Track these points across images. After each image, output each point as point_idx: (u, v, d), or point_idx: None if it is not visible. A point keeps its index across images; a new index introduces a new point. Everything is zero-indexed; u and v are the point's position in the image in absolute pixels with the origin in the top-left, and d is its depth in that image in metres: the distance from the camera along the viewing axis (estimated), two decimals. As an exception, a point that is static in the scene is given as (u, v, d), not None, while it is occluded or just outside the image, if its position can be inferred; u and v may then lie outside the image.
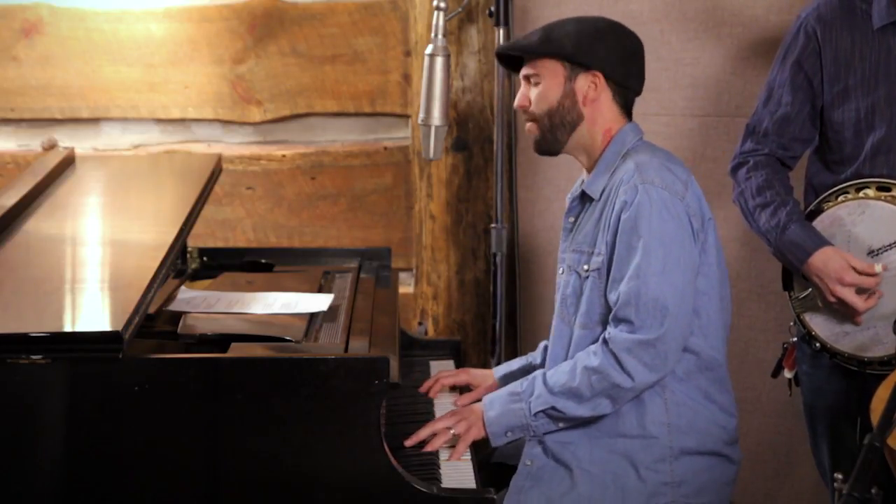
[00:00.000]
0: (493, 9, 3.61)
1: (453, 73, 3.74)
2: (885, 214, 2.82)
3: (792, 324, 3.00)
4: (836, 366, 2.92)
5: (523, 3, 3.73)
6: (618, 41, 2.71)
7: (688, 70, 3.61)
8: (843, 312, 2.84)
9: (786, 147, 2.97)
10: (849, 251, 2.84)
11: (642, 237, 2.59)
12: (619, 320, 2.61)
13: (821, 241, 2.85)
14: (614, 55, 2.70)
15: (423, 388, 2.92)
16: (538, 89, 2.72)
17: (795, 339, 3.00)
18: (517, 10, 3.69)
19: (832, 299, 2.82)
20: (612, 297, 2.63)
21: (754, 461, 3.63)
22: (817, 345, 2.91)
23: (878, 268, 2.80)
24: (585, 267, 2.69)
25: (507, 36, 3.60)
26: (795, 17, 2.99)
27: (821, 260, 2.82)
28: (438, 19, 3.43)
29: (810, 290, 2.90)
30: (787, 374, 3.06)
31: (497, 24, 3.60)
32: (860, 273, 2.80)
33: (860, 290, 2.81)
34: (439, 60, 3.43)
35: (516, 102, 2.77)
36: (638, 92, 2.77)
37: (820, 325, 2.90)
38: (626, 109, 2.75)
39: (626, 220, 2.61)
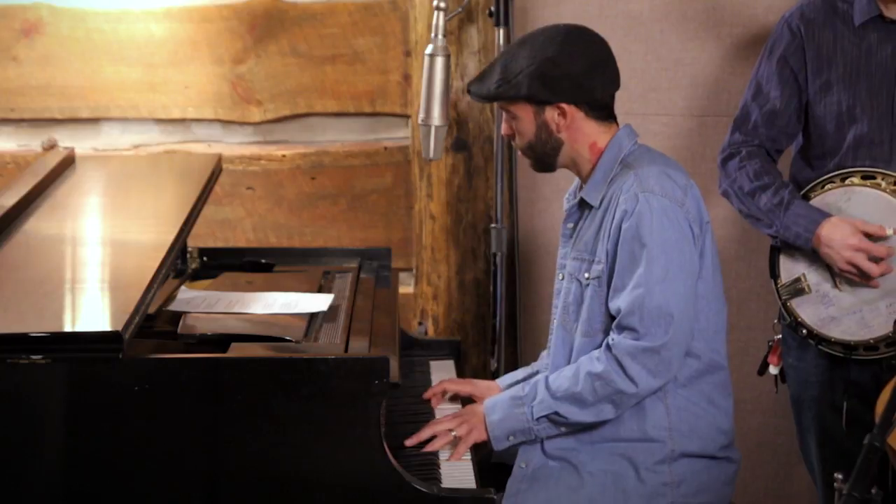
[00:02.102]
0: (493, 9, 3.61)
1: (453, 73, 3.74)
2: (872, 199, 2.88)
3: (776, 321, 3.04)
4: (821, 356, 2.95)
5: (523, 3, 3.73)
6: (571, 64, 2.65)
7: (688, 70, 3.61)
8: (857, 282, 2.87)
9: (774, 139, 3.03)
10: None
11: (645, 246, 2.59)
12: (622, 328, 2.61)
13: (826, 213, 2.90)
14: (569, 82, 2.65)
15: (427, 395, 2.90)
16: (515, 125, 2.72)
17: (779, 336, 3.04)
18: (517, 10, 3.69)
19: (846, 267, 2.85)
20: (613, 306, 2.63)
21: (754, 461, 3.63)
22: (804, 331, 2.95)
23: (889, 231, 2.83)
24: (586, 275, 2.69)
25: (507, 36, 3.59)
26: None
27: (829, 229, 2.87)
28: (438, 19, 3.43)
29: (797, 275, 2.94)
30: (773, 370, 3.09)
31: (497, 24, 3.60)
32: (871, 237, 2.84)
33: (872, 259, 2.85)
34: (439, 60, 3.42)
35: (502, 131, 2.77)
36: (612, 92, 2.73)
37: (806, 311, 2.94)
38: (606, 114, 2.72)
39: (627, 230, 2.61)
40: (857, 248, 2.83)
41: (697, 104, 3.63)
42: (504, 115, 2.75)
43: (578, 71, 2.66)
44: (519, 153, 2.80)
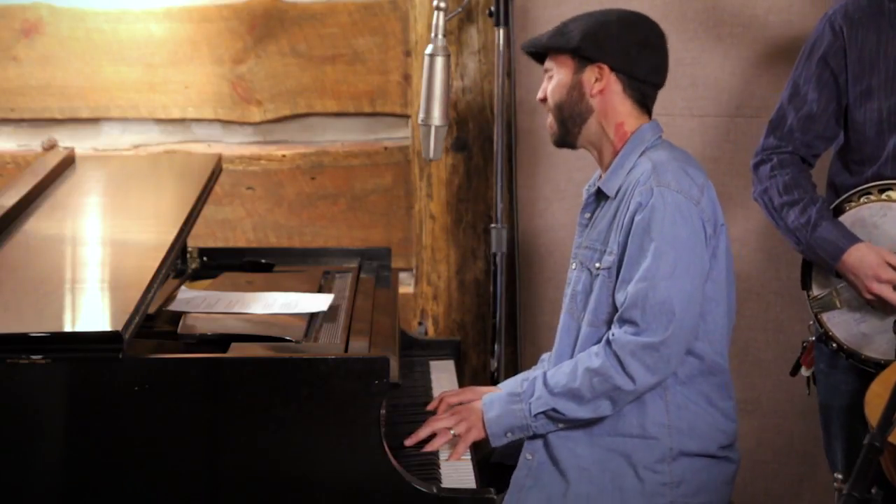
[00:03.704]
0: (493, 9, 3.61)
1: (453, 73, 3.74)
2: None
3: (811, 322, 2.97)
4: (852, 366, 2.90)
5: (523, 3, 3.73)
6: (626, 32, 2.70)
7: (688, 70, 3.61)
8: (881, 309, 2.82)
9: (809, 145, 2.95)
10: None
11: (654, 240, 2.59)
12: (624, 321, 2.61)
13: (854, 238, 2.83)
14: (619, 46, 2.69)
15: (430, 408, 2.85)
16: (550, 84, 2.74)
17: (814, 337, 2.98)
18: (517, 10, 3.69)
19: (869, 296, 2.80)
20: (619, 298, 2.63)
21: (754, 461, 3.63)
22: (834, 345, 2.89)
23: None
24: (597, 265, 2.69)
25: (507, 36, 3.60)
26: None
27: (856, 257, 2.81)
28: (438, 19, 3.43)
29: (829, 290, 2.88)
30: (805, 372, 3.03)
31: (497, 24, 3.60)
32: None
33: None
34: (439, 60, 3.42)
35: (538, 96, 2.79)
36: (656, 85, 2.74)
37: (838, 326, 2.88)
38: (643, 105, 2.73)
39: (639, 222, 2.61)
40: (882, 279, 2.78)
41: (697, 104, 3.63)
42: (545, 78, 2.77)
43: (630, 41, 2.69)
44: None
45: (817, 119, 2.92)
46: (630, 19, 2.73)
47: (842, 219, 2.88)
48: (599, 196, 2.76)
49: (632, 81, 2.71)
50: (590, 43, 2.68)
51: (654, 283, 2.58)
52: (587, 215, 2.80)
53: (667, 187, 2.61)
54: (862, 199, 2.86)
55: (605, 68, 2.69)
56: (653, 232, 2.59)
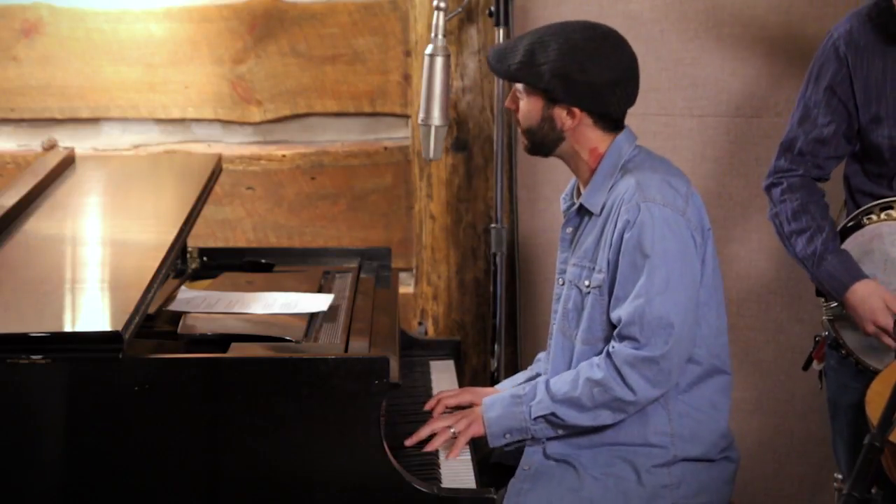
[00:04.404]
0: (493, 9, 3.61)
1: (453, 73, 3.74)
2: None
3: (825, 318, 2.95)
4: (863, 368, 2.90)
5: (523, 3, 3.73)
6: (597, 73, 2.62)
7: (688, 70, 3.61)
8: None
9: (820, 166, 2.94)
10: (885, 271, 2.81)
11: (647, 257, 2.58)
12: (623, 337, 2.60)
13: (857, 275, 2.81)
14: (590, 91, 2.63)
15: (428, 407, 2.86)
16: (521, 104, 2.70)
17: (827, 332, 2.97)
18: (517, 10, 3.69)
19: (866, 334, 2.80)
20: (614, 316, 2.62)
21: (754, 461, 3.63)
22: (843, 352, 2.89)
23: None
24: (587, 283, 2.68)
25: (508, 36, 3.60)
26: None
27: (858, 297, 2.79)
28: (438, 19, 3.43)
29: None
30: (817, 366, 3.02)
31: (497, 24, 3.60)
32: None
33: None
34: (439, 60, 3.42)
35: (506, 104, 2.75)
36: (625, 109, 2.70)
37: (848, 335, 2.88)
38: (614, 125, 2.70)
39: (628, 240, 2.60)
40: (879, 324, 2.76)
41: (697, 104, 3.63)
42: (512, 89, 2.72)
43: (602, 82, 2.62)
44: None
45: (828, 142, 2.90)
46: (603, 57, 2.62)
47: (861, 232, 2.86)
48: (581, 212, 2.75)
49: (604, 116, 2.67)
50: (560, 85, 2.62)
51: (650, 298, 2.57)
52: (569, 230, 2.78)
53: (653, 202, 2.60)
54: (882, 216, 2.84)
55: (576, 109, 2.65)
56: (644, 248, 2.59)
